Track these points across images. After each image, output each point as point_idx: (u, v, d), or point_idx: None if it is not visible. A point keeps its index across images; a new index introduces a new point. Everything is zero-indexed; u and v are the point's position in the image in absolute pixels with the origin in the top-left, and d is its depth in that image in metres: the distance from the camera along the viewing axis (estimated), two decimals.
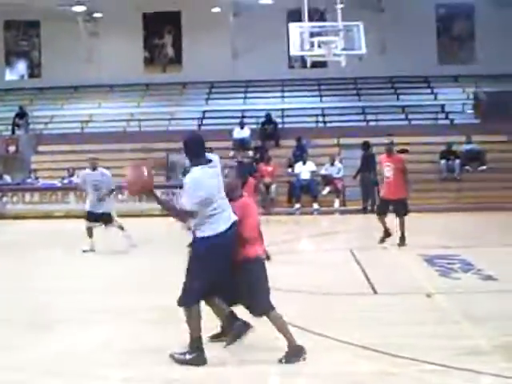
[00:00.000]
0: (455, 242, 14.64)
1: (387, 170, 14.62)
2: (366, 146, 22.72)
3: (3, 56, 33.49)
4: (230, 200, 7.18)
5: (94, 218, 14.92)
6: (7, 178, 25.73)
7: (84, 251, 14.56)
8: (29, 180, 25.35)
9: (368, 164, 22.04)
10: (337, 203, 23.31)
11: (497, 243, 14.41)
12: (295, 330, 7.94)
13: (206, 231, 6.94)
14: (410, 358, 7.00)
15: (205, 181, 6.91)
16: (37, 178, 25.30)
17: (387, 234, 14.51)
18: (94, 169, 15.15)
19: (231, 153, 25.67)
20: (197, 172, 6.97)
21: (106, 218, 14.93)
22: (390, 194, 14.53)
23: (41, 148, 27.61)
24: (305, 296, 10.15)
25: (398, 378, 6.63)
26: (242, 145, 25.82)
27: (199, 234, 7.00)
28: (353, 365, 6.97)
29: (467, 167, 24.95)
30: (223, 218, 6.95)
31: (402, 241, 14.37)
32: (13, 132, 28.95)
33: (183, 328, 7.10)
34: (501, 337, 7.89)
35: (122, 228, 14.95)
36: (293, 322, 8.17)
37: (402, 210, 14.45)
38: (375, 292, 10.29)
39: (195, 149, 7.11)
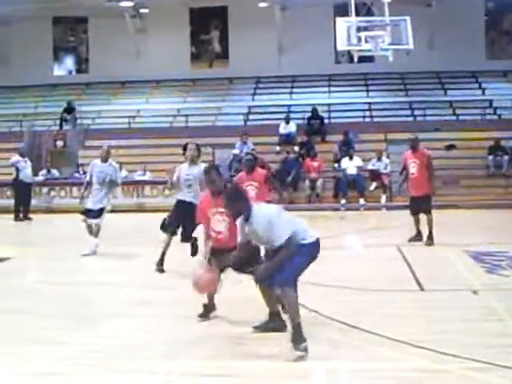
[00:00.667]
0: (503, 239, 14.49)
1: (412, 166, 14.40)
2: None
3: (52, 52, 33.88)
4: None
5: (92, 215, 14.01)
6: (55, 173, 26.05)
7: (84, 255, 13.57)
8: (76, 174, 25.58)
9: None
10: (383, 199, 23.20)
11: None
12: (343, 326, 7.99)
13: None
14: (455, 356, 6.95)
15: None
16: (84, 173, 25.50)
17: (419, 235, 14.37)
18: (106, 160, 14.30)
19: (277, 148, 25.71)
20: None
21: (98, 213, 14.03)
22: (416, 190, 14.39)
23: (88, 143, 27.85)
24: (352, 292, 10.13)
25: (443, 375, 6.58)
26: (287, 140, 25.83)
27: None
28: (399, 361, 6.94)
29: None
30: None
31: (430, 239, 14.11)
32: (61, 127, 29.29)
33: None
34: None
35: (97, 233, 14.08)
36: (340, 317, 8.22)
37: (426, 207, 14.27)
38: (422, 289, 10.23)
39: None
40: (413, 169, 14.41)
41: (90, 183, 14.23)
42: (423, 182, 14.29)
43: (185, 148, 11.81)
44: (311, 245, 7.34)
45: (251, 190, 11.65)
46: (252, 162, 12.22)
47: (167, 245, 11.63)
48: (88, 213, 14.03)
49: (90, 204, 14.13)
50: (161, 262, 11.59)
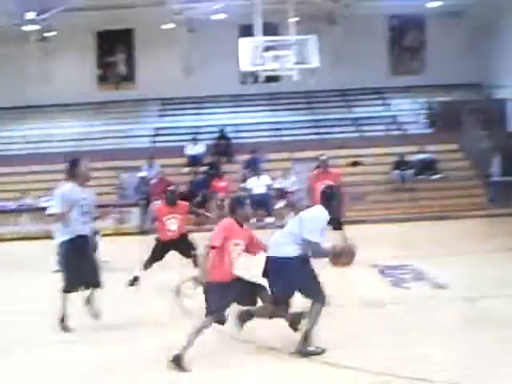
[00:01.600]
0: (408, 252, 14.74)
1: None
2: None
3: None
4: None
5: None
6: None
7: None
8: None
9: None
10: (290, 216, 23.27)
11: (449, 252, 14.54)
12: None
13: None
14: (357, 369, 7.05)
15: None
16: None
17: None
18: None
19: (185, 169, 25.65)
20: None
21: None
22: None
23: None
24: None
25: None
26: (195, 161, 25.80)
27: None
28: (299, 375, 7.05)
29: (420, 177, 25.17)
30: None
31: None
32: None
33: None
34: (449, 344, 7.97)
35: None
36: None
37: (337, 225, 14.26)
38: (328, 304, 10.30)
39: None
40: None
41: None
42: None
43: (74, 164, 9.58)
44: None
45: (174, 223, 12.18)
46: (174, 195, 12.46)
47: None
48: None
49: None
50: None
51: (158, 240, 12.48)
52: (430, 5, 28.51)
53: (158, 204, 13.20)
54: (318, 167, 15.59)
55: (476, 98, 30.39)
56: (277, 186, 24.18)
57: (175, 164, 25.86)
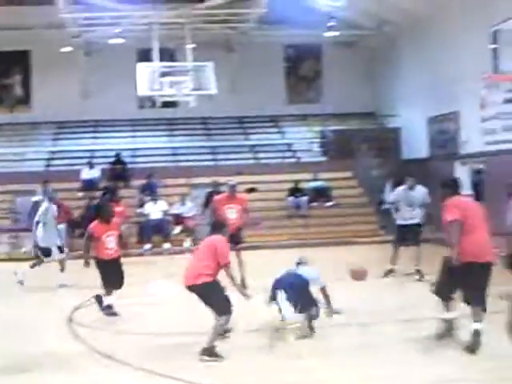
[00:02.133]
0: None
1: (230, 211, 14.60)
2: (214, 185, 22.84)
3: None
4: None
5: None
6: None
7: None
8: None
9: None
10: (188, 242, 23.33)
11: (343, 277, 14.76)
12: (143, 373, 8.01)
13: None
14: None
15: None
16: None
17: None
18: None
19: (80, 194, 25.38)
20: None
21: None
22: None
23: None
24: (150, 337, 10.18)
25: None
26: (90, 185, 25.54)
27: None
28: None
29: (314, 204, 25.56)
30: None
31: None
32: None
33: None
34: (343, 369, 8.17)
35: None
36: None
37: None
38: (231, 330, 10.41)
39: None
40: (232, 214, 14.54)
41: None
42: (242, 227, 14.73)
43: None
44: None
45: (113, 241, 12.18)
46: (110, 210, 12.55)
47: None
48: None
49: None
50: None
51: (97, 260, 12.13)
52: (327, 34, 29.09)
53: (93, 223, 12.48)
54: (217, 192, 15.76)
55: (370, 127, 31.20)
56: (174, 211, 24.18)
57: (70, 188, 25.52)
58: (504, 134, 21.43)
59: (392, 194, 16.71)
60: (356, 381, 7.74)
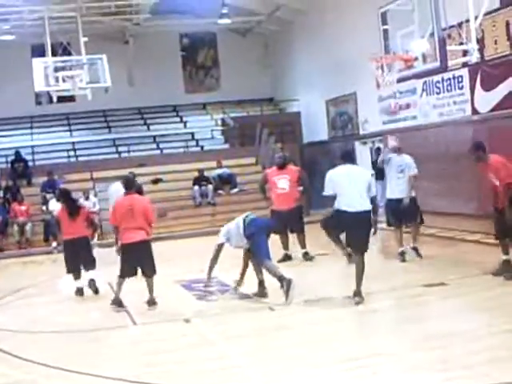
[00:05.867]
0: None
1: (283, 182, 15.17)
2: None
3: None
4: None
5: None
6: None
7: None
8: None
9: None
10: (96, 237, 23.02)
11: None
12: (57, 371, 7.92)
13: None
14: None
15: None
16: None
17: None
18: None
19: None
20: None
21: None
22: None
23: None
24: (67, 335, 10.07)
25: None
26: None
27: None
28: None
29: (220, 191, 25.61)
30: None
31: None
32: None
33: None
34: (257, 352, 8.25)
35: None
36: (57, 364, 8.13)
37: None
38: (135, 323, 10.37)
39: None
40: (284, 184, 15.16)
41: None
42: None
43: None
44: None
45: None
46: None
47: None
48: None
49: None
50: None
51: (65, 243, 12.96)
52: (220, 22, 29.15)
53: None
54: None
55: (270, 113, 31.45)
56: (86, 205, 23.80)
57: None
58: (400, 112, 21.94)
59: None
60: (266, 363, 7.80)
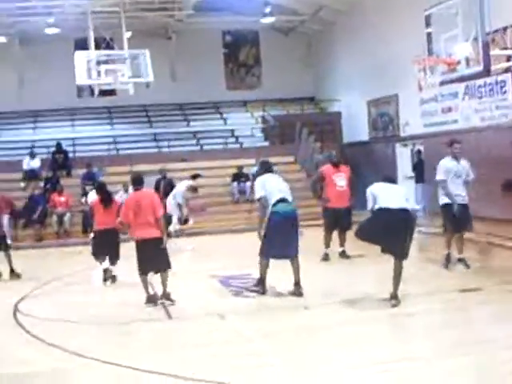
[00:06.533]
0: (248, 262, 14.97)
1: (340, 179, 15.24)
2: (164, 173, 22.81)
3: None
4: None
5: None
6: None
7: None
8: None
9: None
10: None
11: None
12: (92, 361, 8.01)
13: None
14: (199, 380, 7.22)
15: None
16: None
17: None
18: None
19: (22, 184, 25.08)
20: None
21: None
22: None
23: None
24: (102, 327, 10.16)
25: None
26: (32, 175, 25.24)
27: None
28: None
29: None
30: None
31: None
32: None
33: None
34: (289, 351, 8.26)
35: None
36: (90, 354, 8.21)
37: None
38: (170, 317, 10.43)
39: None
40: (341, 181, 15.21)
41: None
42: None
43: None
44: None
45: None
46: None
47: None
48: None
49: None
50: None
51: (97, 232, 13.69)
52: (264, 20, 29.22)
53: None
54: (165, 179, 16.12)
55: (310, 112, 31.42)
56: (118, 199, 23.94)
57: (12, 179, 25.20)
58: (442, 116, 21.81)
59: None
60: (300, 363, 7.82)
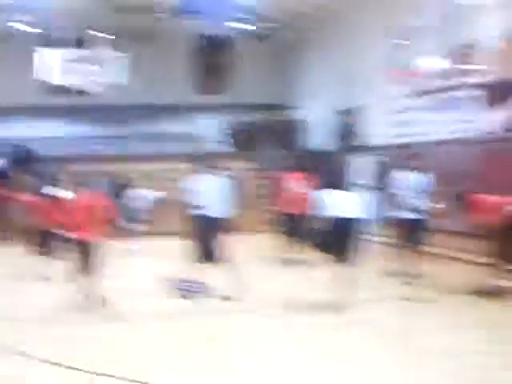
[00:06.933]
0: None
1: None
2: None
3: None
4: None
5: None
6: None
7: None
8: None
9: None
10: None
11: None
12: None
13: None
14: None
15: None
16: None
17: None
18: None
19: None
20: None
21: None
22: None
23: None
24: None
25: None
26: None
27: None
28: None
29: None
30: None
31: None
32: None
33: None
34: (237, 355, 8.23)
35: None
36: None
37: None
38: (116, 319, 10.34)
39: None
40: None
41: None
42: None
43: None
44: None
45: None
46: None
47: None
48: None
49: None
50: None
51: None
52: (240, 26, 29.30)
53: None
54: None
55: (277, 119, 31.42)
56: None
57: None
58: (407, 128, 21.84)
59: None
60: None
